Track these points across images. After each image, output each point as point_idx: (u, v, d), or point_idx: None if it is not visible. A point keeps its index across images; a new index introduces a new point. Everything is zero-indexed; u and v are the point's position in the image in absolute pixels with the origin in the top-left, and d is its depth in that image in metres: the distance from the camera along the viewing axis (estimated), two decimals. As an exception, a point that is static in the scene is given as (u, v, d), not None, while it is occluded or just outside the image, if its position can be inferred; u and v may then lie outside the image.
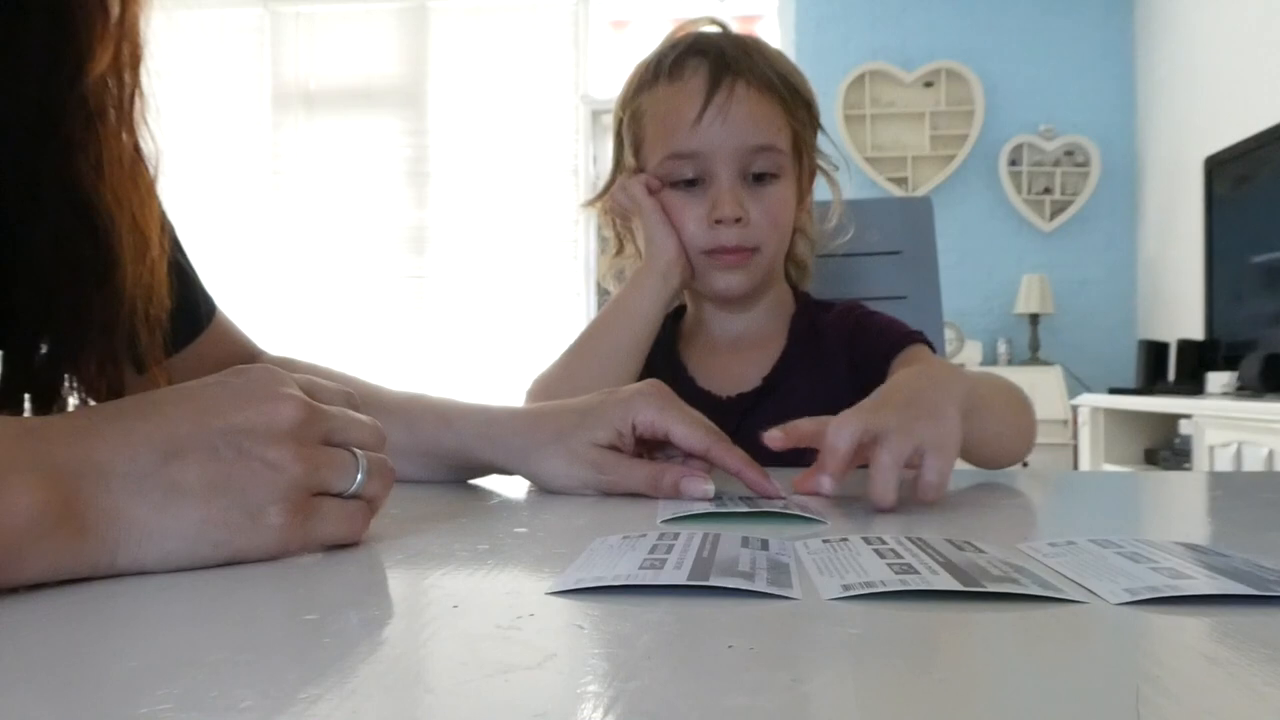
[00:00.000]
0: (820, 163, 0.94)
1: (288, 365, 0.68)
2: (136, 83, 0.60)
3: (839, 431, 0.52)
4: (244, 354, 0.74)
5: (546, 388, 0.84)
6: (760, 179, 0.85)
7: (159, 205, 0.62)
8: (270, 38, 3.95)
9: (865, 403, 0.57)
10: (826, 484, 0.51)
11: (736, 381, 0.89)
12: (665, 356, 0.91)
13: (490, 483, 0.67)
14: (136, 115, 0.60)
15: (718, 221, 0.83)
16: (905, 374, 0.64)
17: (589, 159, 3.81)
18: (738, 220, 0.83)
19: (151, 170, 0.62)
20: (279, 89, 3.95)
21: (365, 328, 3.86)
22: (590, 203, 0.99)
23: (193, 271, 0.70)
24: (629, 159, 0.91)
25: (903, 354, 0.83)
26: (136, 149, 0.61)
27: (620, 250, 0.98)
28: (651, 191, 0.86)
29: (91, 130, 0.56)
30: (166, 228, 0.65)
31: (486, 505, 0.59)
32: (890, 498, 0.50)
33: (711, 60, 0.84)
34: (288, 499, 0.38)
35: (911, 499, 0.52)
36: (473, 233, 3.85)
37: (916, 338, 0.85)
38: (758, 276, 0.87)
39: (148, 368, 0.60)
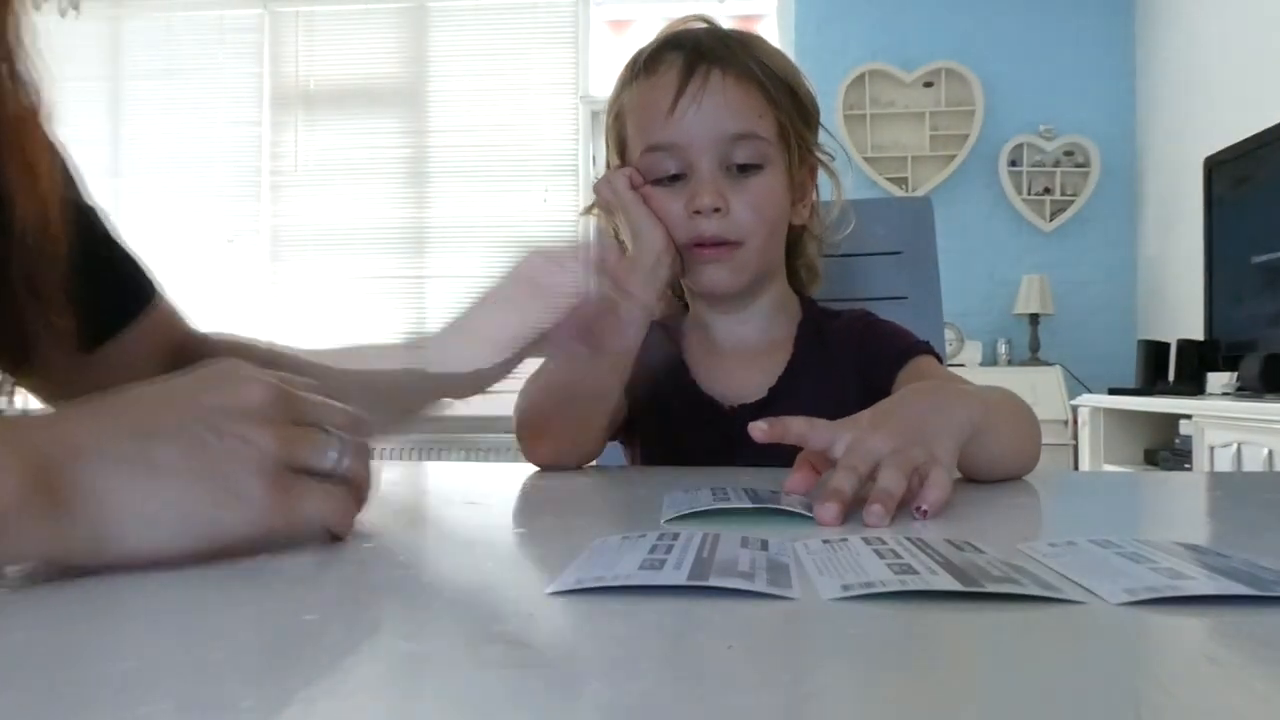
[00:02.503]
0: (818, 155, 0.91)
1: (240, 346, 0.68)
2: (9, 3, 0.55)
3: (843, 476, 0.50)
4: (191, 338, 0.72)
5: (539, 385, 0.82)
6: (744, 170, 0.82)
7: (45, 135, 0.58)
8: (270, 37, 3.95)
9: (864, 420, 0.56)
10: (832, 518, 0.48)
11: (741, 389, 0.87)
12: (668, 361, 0.90)
13: (490, 483, 0.67)
14: (11, 37, 0.55)
15: (696, 212, 0.81)
16: (911, 393, 0.63)
17: (589, 159, 3.80)
18: (717, 210, 0.81)
19: (35, 99, 0.57)
20: (278, 89, 3.95)
21: (365, 328, 3.85)
22: (588, 210, 0.97)
23: (130, 252, 0.69)
24: (614, 159, 0.90)
25: (909, 365, 0.82)
26: (14, 75, 0.56)
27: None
28: (634, 186, 0.84)
29: None
30: (72, 176, 0.62)
31: (486, 505, 0.59)
32: (883, 524, 0.47)
33: (687, 52, 0.83)
34: (266, 473, 0.38)
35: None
36: (473, 233, 3.85)
37: (923, 348, 0.84)
38: (745, 273, 0.85)
39: (49, 305, 0.57)
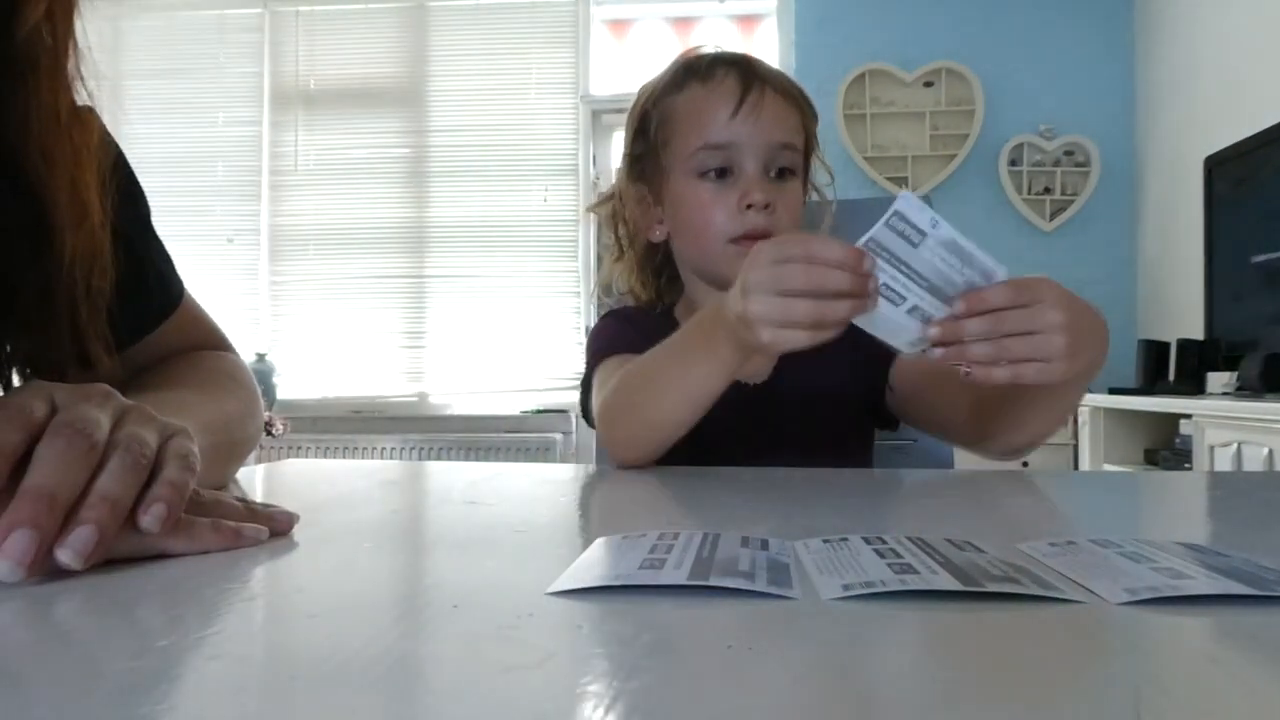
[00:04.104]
0: (814, 184, 0.98)
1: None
2: (70, 34, 0.55)
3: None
4: (209, 341, 0.73)
5: (611, 413, 0.80)
6: (780, 175, 0.90)
7: (100, 169, 0.58)
8: (270, 37, 3.94)
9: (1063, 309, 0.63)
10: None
11: (748, 373, 0.91)
12: None
13: (490, 483, 0.67)
14: (70, 70, 0.55)
15: (749, 206, 0.87)
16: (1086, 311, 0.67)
17: (589, 159, 3.80)
18: (766, 206, 0.87)
19: (93, 131, 0.57)
20: (278, 88, 3.94)
21: (364, 328, 3.86)
22: (593, 207, 1.01)
23: (154, 260, 0.68)
24: (661, 157, 0.94)
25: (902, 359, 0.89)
26: (73, 108, 0.56)
27: (621, 256, 1.00)
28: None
29: (20, 84, 0.52)
30: (140, 204, 0.62)
31: (486, 505, 0.59)
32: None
33: (741, 68, 0.91)
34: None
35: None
36: (473, 233, 3.85)
37: None
38: None
39: (86, 338, 0.57)
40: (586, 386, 0.92)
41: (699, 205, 0.89)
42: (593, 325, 0.99)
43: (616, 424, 0.79)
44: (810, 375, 0.90)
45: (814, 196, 1.00)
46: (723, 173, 0.89)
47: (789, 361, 0.91)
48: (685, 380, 0.75)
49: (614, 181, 1.01)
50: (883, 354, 0.88)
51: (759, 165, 0.89)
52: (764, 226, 0.87)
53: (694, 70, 0.93)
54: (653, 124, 0.94)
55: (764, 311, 0.64)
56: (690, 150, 0.90)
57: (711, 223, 0.89)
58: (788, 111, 0.91)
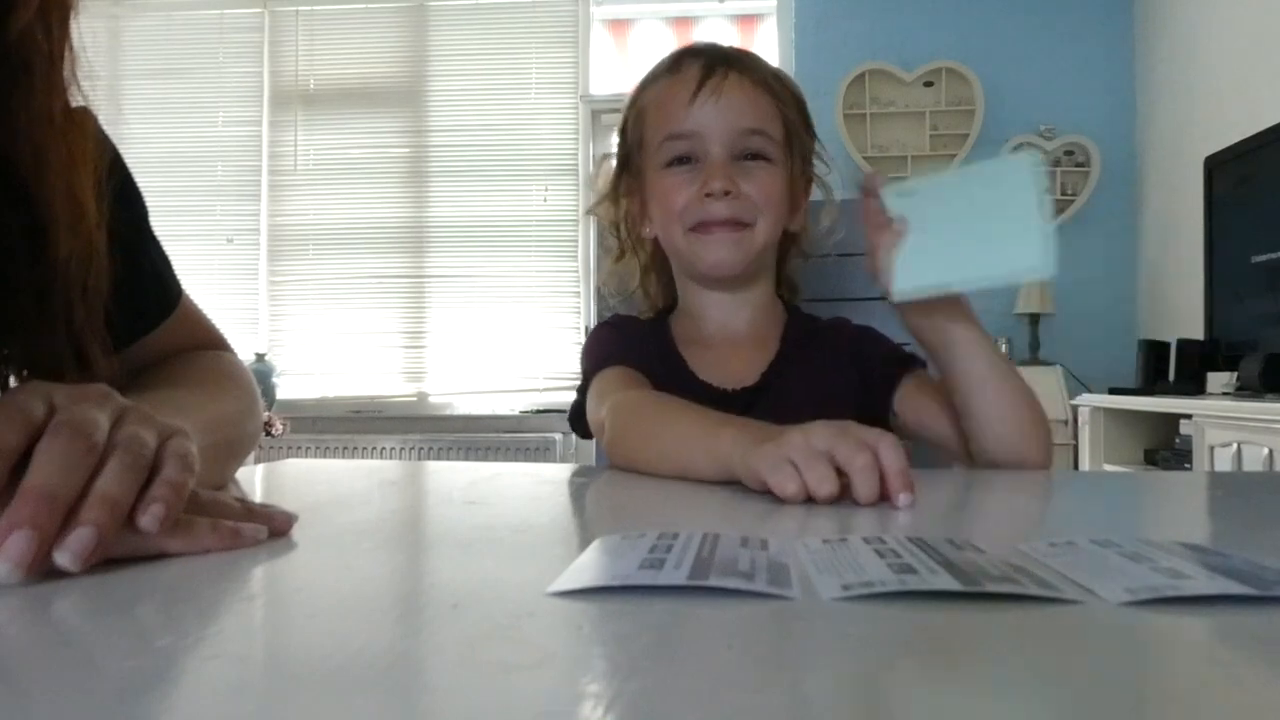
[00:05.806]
0: (816, 174, 0.96)
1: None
2: (65, 35, 0.54)
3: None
4: (207, 342, 0.73)
5: (613, 444, 0.77)
6: (752, 159, 0.88)
7: (95, 171, 0.57)
8: (269, 37, 3.94)
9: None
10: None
11: (735, 377, 0.90)
12: (661, 353, 0.91)
13: (490, 483, 0.67)
14: (65, 71, 0.55)
15: (708, 195, 0.85)
16: None
17: (589, 159, 3.80)
18: (727, 194, 0.85)
19: (88, 133, 0.57)
20: (277, 88, 3.94)
21: (364, 328, 3.86)
22: (591, 209, 1.01)
23: (153, 260, 0.68)
24: (623, 151, 0.94)
25: (913, 377, 0.89)
26: (67, 110, 0.55)
27: (621, 256, 0.99)
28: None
29: (14, 86, 0.52)
30: (137, 205, 0.62)
31: (486, 505, 0.59)
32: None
33: (706, 55, 0.90)
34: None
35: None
36: (473, 233, 3.85)
37: (920, 361, 0.90)
38: (748, 253, 0.88)
39: (82, 339, 0.57)
40: (581, 396, 0.91)
41: (664, 194, 0.89)
42: (590, 329, 0.99)
43: (617, 455, 0.76)
44: (814, 377, 0.90)
45: (821, 196, 0.99)
46: (690, 161, 0.87)
47: (791, 363, 0.91)
48: (679, 463, 0.68)
49: (602, 185, 1.01)
50: (882, 384, 0.88)
51: (724, 152, 0.86)
52: (724, 215, 0.86)
53: (661, 64, 0.93)
54: (629, 124, 0.94)
55: (766, 467, 0.57)
56: (658, 143, 0.89)
57: (673, 211, 0.88)
58: (756, 96, 0.88)
